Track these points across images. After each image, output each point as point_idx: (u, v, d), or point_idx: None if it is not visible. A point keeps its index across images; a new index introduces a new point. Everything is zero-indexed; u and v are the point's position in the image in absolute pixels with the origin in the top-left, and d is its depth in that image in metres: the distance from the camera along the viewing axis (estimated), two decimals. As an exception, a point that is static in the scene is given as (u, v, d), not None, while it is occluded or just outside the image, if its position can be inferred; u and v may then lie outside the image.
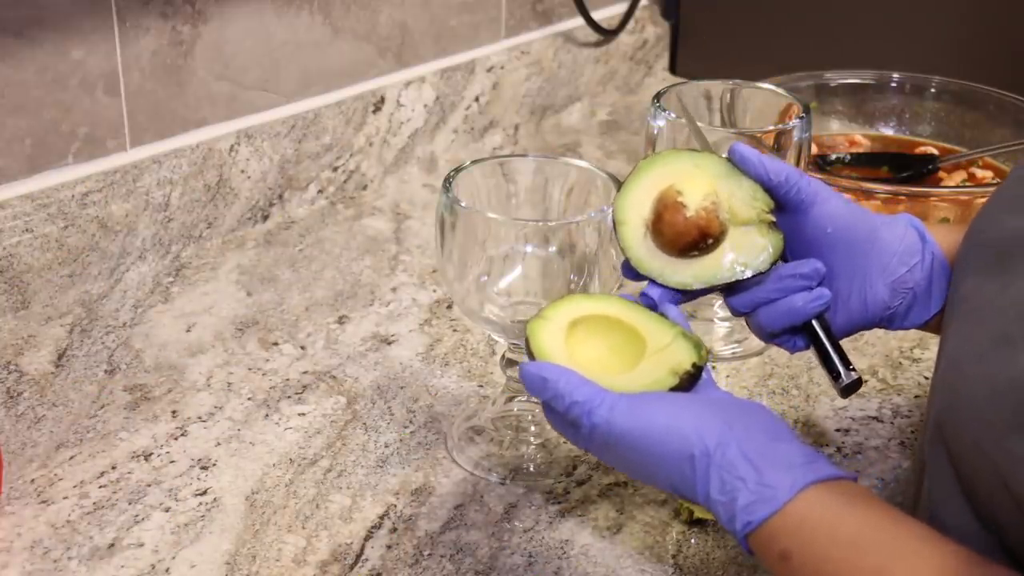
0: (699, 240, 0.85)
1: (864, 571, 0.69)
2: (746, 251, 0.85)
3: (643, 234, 0.86)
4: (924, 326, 0.89)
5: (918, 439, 0.85)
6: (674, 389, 0.76)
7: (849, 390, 0.87)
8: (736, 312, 0.88)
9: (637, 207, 0.87)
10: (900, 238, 0.87)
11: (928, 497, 0.77)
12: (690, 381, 0.76)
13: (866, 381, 1.09)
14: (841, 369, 0.86)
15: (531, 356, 0.79)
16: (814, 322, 0.86)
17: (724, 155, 0.87)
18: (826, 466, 0.72)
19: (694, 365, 0.76)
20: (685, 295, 0.86)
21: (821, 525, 0.70)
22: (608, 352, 0.80)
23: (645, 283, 0.86)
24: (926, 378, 1.10)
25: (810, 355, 1.12)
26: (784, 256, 0.87)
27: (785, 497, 0.70)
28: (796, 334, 0.88)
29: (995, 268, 0.75)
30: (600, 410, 0.74)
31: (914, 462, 0.97)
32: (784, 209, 0.87)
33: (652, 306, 0.84)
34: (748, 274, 0.85)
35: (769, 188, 0.86)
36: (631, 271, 0.87)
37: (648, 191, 0.87)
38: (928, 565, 0.68)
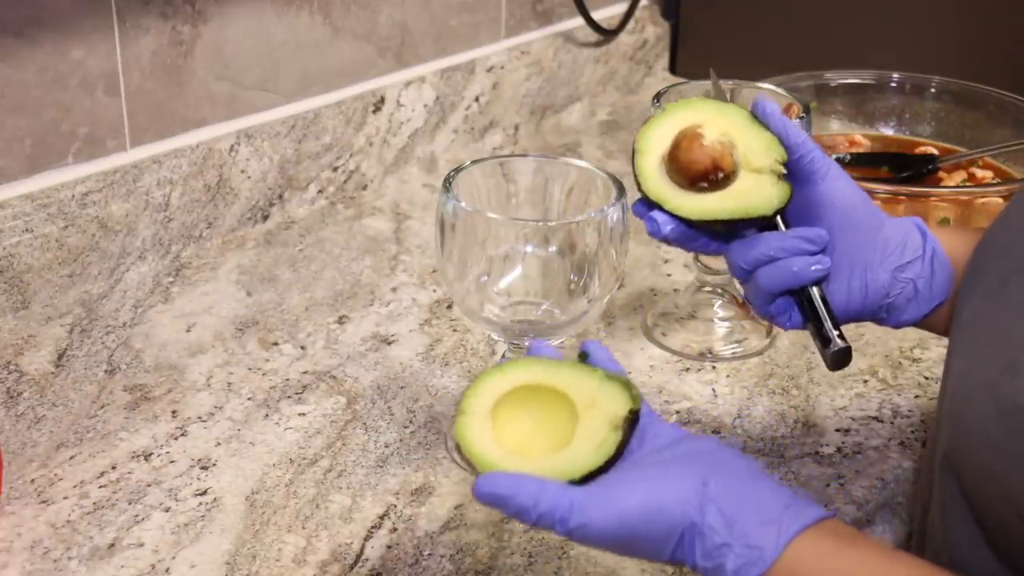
0: (710, 171, 0.86)
1: None
2: (754, 194, 0.86)
3: (658, 165, 0.88)
4: (921, 323, 0.89)
5: (922, 467, 0.85)
6: (620, 443, 0.72)
7: (838, 360, 0.86)
8: (736, 270, 0.87)
9: (657, 141, 0.89)
10: (903, 231, 0.88)
11: (940, 526, 0.76)
12: (631, 428, 0.73)
13: (866, 381, 1.09)
14: (831, 335, 0.85)
15: (468, 463, 0.74)
16: (811, 289, 0.86)
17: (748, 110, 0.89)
18: (805, 508, 0.70)
19: (631, 411, 0.72)
20: (690, 229, 0.87)
21: None
22: (541, 423, 0.75)
23: (594, 343, 0.81)
24: (926, 378, 1.10)
25: (810, 355, 1.12)
26: (787, 223, 0.87)
27: (773, 556, 0.68)
28: (792, 305, 0.87)
29: (998, 293, 0.75)
30: (571, 516, 0.69)
31: (916, 491, 0.97)
32: (795, 176, 0.87)
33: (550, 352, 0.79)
34: (751, 214, 0.86)
35: (786, 146, 0.87)
36: (641, 203, 0.88)
37: (670, 128, 0.89)
38: None
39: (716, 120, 0.88)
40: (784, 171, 0.86)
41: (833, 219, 0.86)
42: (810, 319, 0.87)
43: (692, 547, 0.70)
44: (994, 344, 0.72)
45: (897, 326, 0.89)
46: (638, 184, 0.88)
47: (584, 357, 0.77)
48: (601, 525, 0.69)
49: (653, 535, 0.69)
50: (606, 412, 0.73)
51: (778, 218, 0.87)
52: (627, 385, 0.74)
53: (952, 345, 0.81)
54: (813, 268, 0.85)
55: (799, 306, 0.87)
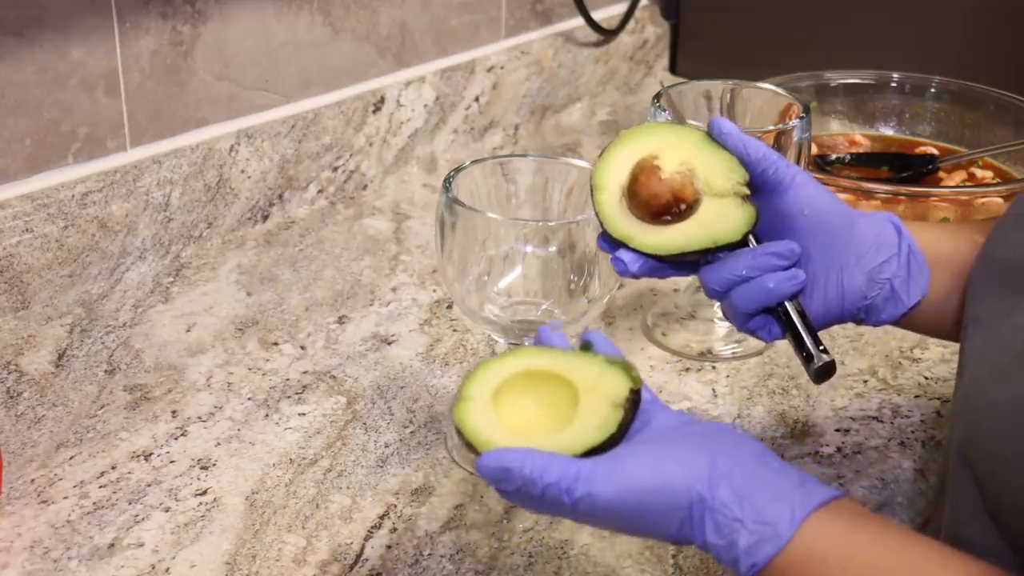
0: (672, 204, 0.84)
1: None
2: (719, 221, 0.84)
3: (619, 199, 0.86)
4: (900, 321, 0.88)
5: (941, 460, 0.84)
6: (623, 421, 0.72)
7: (822, 374, 0.85)
8: (710, 292, 0.86)
9: (615, 174, 0.86)
10: (876, 230, 0.87)
11: (952, 518, 0.76)
12: (633, 408, 0.72)
13: (866, 381, 1.09)
14: (813, 351, 0.84)
15: (471, 448, 0.73)
16: (787, 303, 0.85)
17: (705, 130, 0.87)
18: (817, 488, 0.70)
19: (631, 391, 0.72)
20: (657, 262, 0.85)
21: (831, 556, 0.68)
22: (542, 408, 0.75)
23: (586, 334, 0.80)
24: (926, 378, 1.10)
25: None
26: (758, 238, 0.86)
27: (787, 533, 0.68)
28: (771, 319, 0.86)
29: (1010, 289, 0.75)
30: (578, 485, 0.68)
31: (935, 482, 0.97)
32: (761, 190, 0.85)
33: (559, 341, 0.78)
34: (719, 242, 0.84)
35: (746, 164, 0.85)
36: (606, 240, 0.86)
37: (627, 159, 0.86)
38: None
39: (673, 146, 0.86)
40: (747, 191, 0.85)
41: (803, 227, 0.85)
42: (789, 335, 0.86)
43: (702, 523, 0.69)
44: (1007, 337, 0.72)
45: (876, 324, 0.88)
46: (600, 222, 0.86)
47: (587, 346, 0.77)
48: (607, 496, 0.68)
49: (659, 508, 0.69)
50: (607, 393, 0.72)
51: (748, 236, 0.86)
52: (628, 367, 0.73)
53: (966, 340, 0.80)
54: (787, 284, 0.84)
55: (777, 320, 0.86)
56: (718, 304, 1.15)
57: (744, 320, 0.87)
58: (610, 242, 0.86)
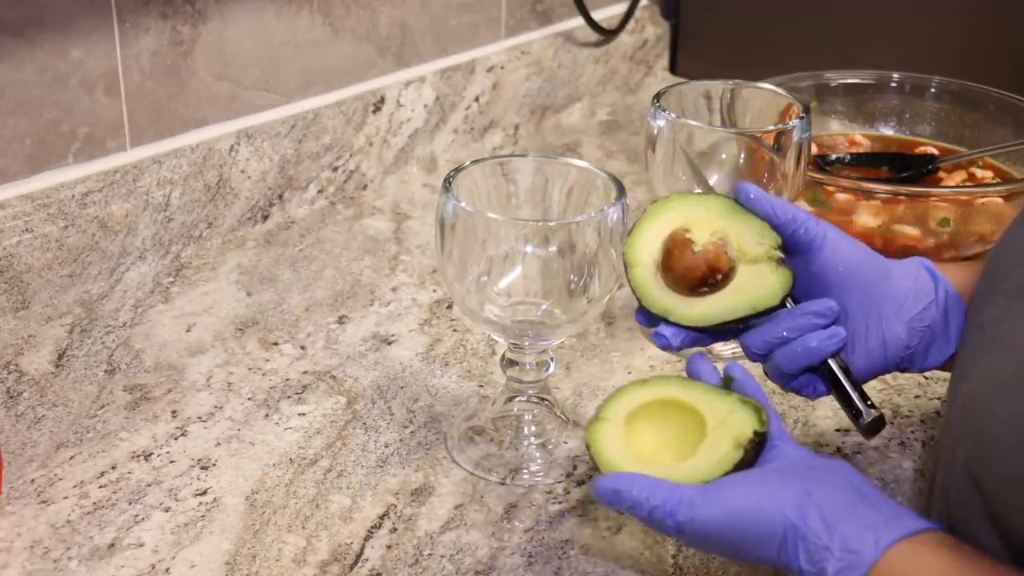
0: (708, 275, 0.85)
1: None
2: (756, 287, 0.85)
3: (654, 274, 0.87)
4: (945, 365, 0.88)
5: (934, 461, 0.84)
6: (741, 461, 0.75)
7: (872, 429, 0.85)
8: (752, 356, 0.87)
9: (647, 248, 0.88)
10: (912, 277, 0.87)
11: (958, 529, 0.77)
12: (755, 450, 0.76)
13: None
14: (861, 407, 0.85)
15: (595, 464, 0.79)
16: (831, 361, 0.85)
17: (731, 197, 0.88)
18: (912, 519, 0.71)
19: (756, 433, 0.76)
20: (700, 334, 0.86)
21: None
22: (671, 436, 0.80)
23: (690, 351, 0.87)
24: (926, 378, 1.10)
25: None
26: (795, 298, 0.87)
27: (871, 558, 0.70)
28: (815, 377, 0.87)
29: (1016, 294, 0.75)
30: (680, 510, 0.74)
31: (929, 494, 0.97)
32: (793, 251, 0.86)
33: (707, 374, 0.83)
34: (758, 308, 0.85)
35: (777, 227, 0.86)
36: (644, 315, 0.88)
37: (658, 233, 0.88)
38: None
39: (702, 217, 0.87)
40: (781, 256, 0.85)
41: (839, 283, 0.86)
42: (835, 392, 0.86)
43: (796, 550, 0.72)
44: (1011, 344, 0.72)
45: (923, 371, 0.89)
46: (637, 298, 0.87)
47: (729, 382, 0.81)
48: (708, 521, 0.73)
49: (757, 534, 0.72)
50: (733, 431, 0.76)
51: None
52: (759, 410, 0.77)
53: (966, 347, 0.80)
54: (828, 342, 0.84)
55: (821, 378, 0.87)
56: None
57: (788, 380, 0.87)
58: (649, 317, 0.87)
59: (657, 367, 1.10)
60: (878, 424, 0.85)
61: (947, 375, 1.09)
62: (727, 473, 0.75)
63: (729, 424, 0.77)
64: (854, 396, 0.85)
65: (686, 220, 0.87)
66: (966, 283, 0.87)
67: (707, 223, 0.87)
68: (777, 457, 0.77)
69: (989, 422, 0.71)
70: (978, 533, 0.74)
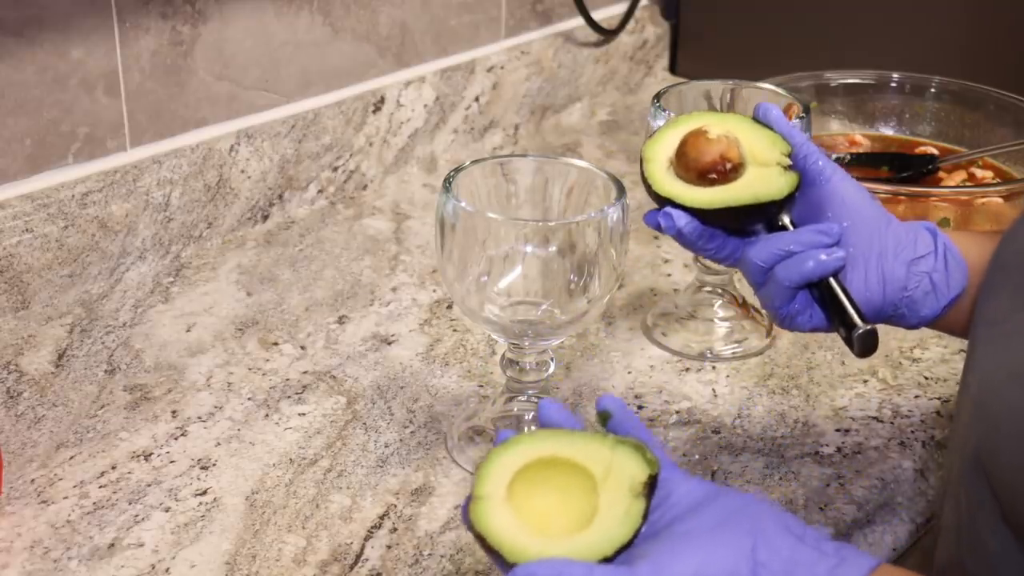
0: (718, 162, 0.87)
1: None
2: (764, 183, 0.87)
3: (667, 168, 0.90)
4: (938, 321, 0.89)
5: (948, 460, 0.84)
6: (645, 511, 0.70)
7: (865, 342, 0.85)
8: (755, 270, 0.87)
9: (664, 148, 0.91)
10: (912, 229, 0.89)
11: (970, 525, 0.76)
12: (652, 491, 0.71)
13: (866, 381, 1.09)
14: (856, 319, 0.85)
15: (491, 550, 0.69)
16: (831, 280, 0.86)
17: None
18: (855, 560, 0.69)
19: (650, 476, 0.70)
20: (703, 227, 0.87)
21: None
22: (559, 498, 0.72)
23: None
24: (926, 378, 1.10)
25: (810, 355, 1.12)
26: (795, 225, 0.88)
27: None
28: (812, 304, 0.87)
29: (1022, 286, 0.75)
30: None
31: (938, 482, 0.97)
32: (802, 179, 0.88)
33: (565, 418, 0.76)
34: (762, 199, 0.87)
35: (790, 144, 0.88)
36: (653, 211, 0.89)
37: (675, 136, 0.91)
38: None
39: (719, 123, 0.90)
40: (789, 162, 0.88)
41: (843, 216, 0.87)
42: (832, 310, 0.86)
43: None
44: (1021, 338, 0.72)
45: (916, 325, 0.89)
46: (648, 189, 0.89)
47: (605, 417, 0.75)
48: None
49: None
50: (623, 480, 0.71)
51: (787, 220, 0.88)
52: (640, 448, 0.72)
53: (975, 341, 0.80)
54: (831, 258, 0.85)
55: (819, 302, 0.87)
56: (718, 304, 1.16)
57: (786, 300, 0.87)
58: (657, 203, 0.89)
59: (657, 366, 1.10)
60: (871, 339, 0.85)
61: (947, 375, 1.10)
62: (638, 529, 0.70)
63: (616, 472, 0.71)
64: (849, 310, 0.86)
65: (705, 124, 0.90)
66: (966, 246, 0.88)
67: (723, 127, 0.90)
68: (673, 493, 0.72)
69: (999, 412, 0.71)
70: (988, 529, 0.74)
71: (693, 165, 0.88)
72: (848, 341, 0.86)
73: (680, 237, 0.88)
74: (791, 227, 0.88)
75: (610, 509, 0.70)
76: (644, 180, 0.90)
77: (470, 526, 0.70)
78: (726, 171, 0.87)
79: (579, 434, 0.73)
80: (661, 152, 0.91)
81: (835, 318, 0.87)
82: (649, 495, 0.71)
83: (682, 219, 0.87)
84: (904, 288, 0.87)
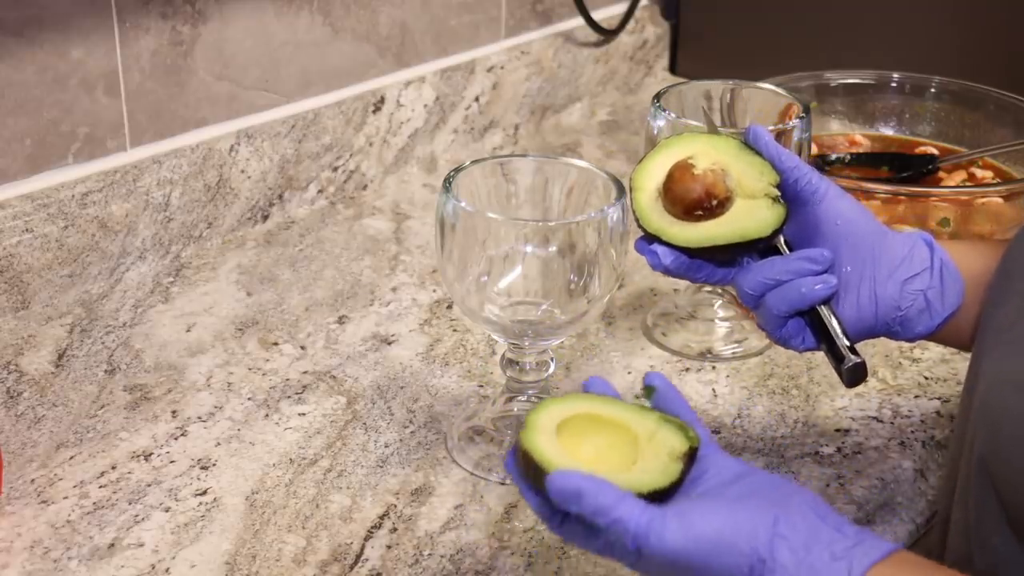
0: (704, 199, 0.87)
1: None
2: (750, 218, 0.87)
3: (655, 199, 0.89)
4: (934, 335, 0.89)
5: (956, 463, 0.84)
6: (681, 474, 0.72)
7: (854, 375, 0.86)
8: (745, 297, 0.88)
9: (651, 176, 0.90)
10: (909, 244, 0.88)
11: (977, 527, 0.76)
12: (690, 464, 0.73)
13: (866, 381, 1.09)
14: (844, 352, 0.85)
15: (536, 469, 0.71)
16: (821, 308, 0.86)
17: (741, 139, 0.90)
18: (874, 543, 0.69)
19: (691, 448, 0.73)
20: (690, 260, 0.87)
21: None
22: (604, 449, 0.76)
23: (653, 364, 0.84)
24: (926, 378, 1.10)
25: (810, 355, 1.12)
26: (791, 247, 0.88)
27: None
28: (804, 327, 0.87)
29: None
30: (648, 532, 0.68)
31: (940, 483, 0.97)
32: (794, 201, 0.87)
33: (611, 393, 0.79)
34: (748, 236, 0.86)
35: (779, 171, 0.87)
36: (642, 241, 0.88)
37: (664, 163, 0.90)
38: None
39: (707, 151, 0.89)
40: (778, 193, 0.87)
41: (836, 238, 0.87)
42: (822, 339, 0.87)
43: None
44: None
45: (911, 339, 0.89)
46: (637, 220, 0.89)
47: (650, 392, 0.78)
48: (675, 546, 0.68)
49: (721, 566, 0.69)
50: (666, 446, 0.74)
51: (781, 242, 0.88)
52: (684, 428, 0.75)
53: (981, 349, 0.80)
54: (818, 287, 0.85)
55: (811, 327, 0.87)
56: (718, 304, 1.16)
57: (778, 326, 0.88)
58: (646, 238, 0.88)
59: (657, 366, 1.10)
60: (860, 371, 0.86)
61: (947, 375, 1.10)
62: (674, 483, 0.72)
63: (660, 438, 0.74)
64: (838, 341, 0.86)
65: (693, 152, 0.89)
66: (965, 260, 0.88)
67: (711, 156, 0.89)
68: (711, 468, 0.73)
69: (1003, 418, 0.71)
70: (993, 531, 0.74)
71: (679, 201, 0.87)
72: (837, 371, 0.86)
73: (667, 272, 0.88)
74: (785, 249, 0.87)
75: (650, 461, 0.73)
76: (632, 211, 0.89)
77: (515, 453, 0.73)
78: (712, 207, 0.87)
79: (624, 403, 0.77)
80: (649, 181, 0.89)
81: (825, 347, 0.87)
82: (687, 463, 0.73)
83: (668, 256, 0.87)
84: (898, 308, 0.87)
